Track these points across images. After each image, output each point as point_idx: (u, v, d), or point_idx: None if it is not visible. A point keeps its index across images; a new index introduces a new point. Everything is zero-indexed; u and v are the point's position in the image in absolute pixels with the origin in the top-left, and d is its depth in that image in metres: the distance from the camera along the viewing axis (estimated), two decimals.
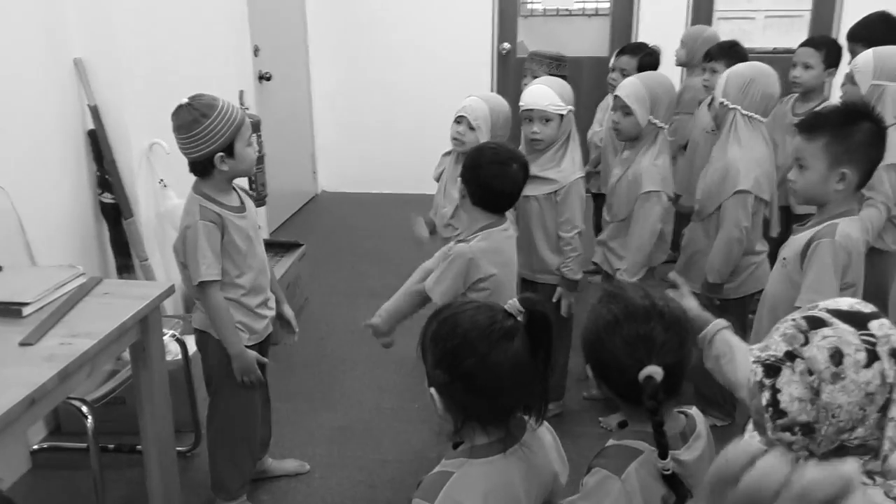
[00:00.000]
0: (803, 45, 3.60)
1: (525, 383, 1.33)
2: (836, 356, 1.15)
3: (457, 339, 1.31)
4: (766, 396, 1.19)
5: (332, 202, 6.46)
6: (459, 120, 3.01)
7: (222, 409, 2.57)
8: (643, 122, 2.83)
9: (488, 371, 1.28)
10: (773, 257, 2.45)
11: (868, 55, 2.98)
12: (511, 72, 6.17)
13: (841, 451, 1.25)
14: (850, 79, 3.03)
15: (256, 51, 5.13)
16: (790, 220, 3.23)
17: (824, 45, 3.53)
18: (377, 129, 6.37)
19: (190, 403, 2.99)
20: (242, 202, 2.46)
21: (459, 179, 2.43)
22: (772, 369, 1.19)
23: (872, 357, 1.14)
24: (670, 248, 3.10)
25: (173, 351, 2.88)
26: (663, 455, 1.30)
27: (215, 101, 2.27)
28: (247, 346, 2.46)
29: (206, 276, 2.28)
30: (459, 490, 1.32)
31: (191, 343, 2.77)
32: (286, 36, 5.89)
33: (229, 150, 2.27)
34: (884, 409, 1.16)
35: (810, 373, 1.15)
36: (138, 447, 2.98)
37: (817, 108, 2.89)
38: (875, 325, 1.16)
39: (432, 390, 1.36)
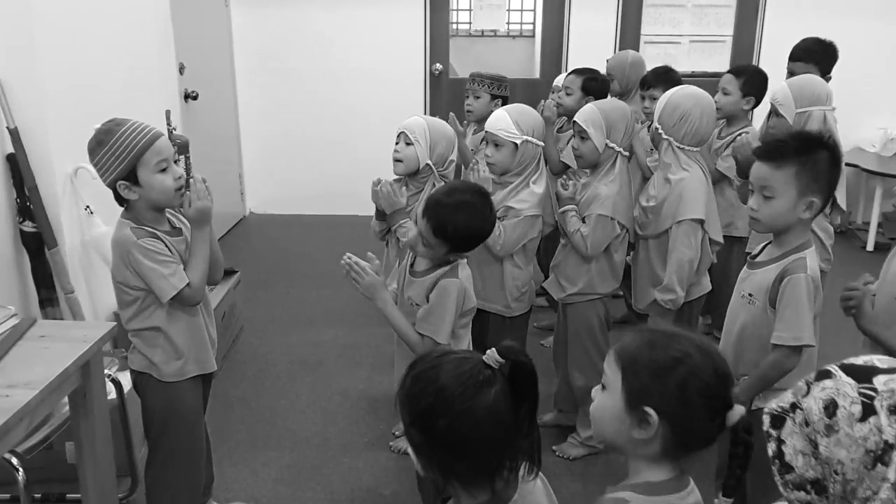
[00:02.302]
0: (728, 71, 3.74)
1: (507, 440, 1.24)
2: (830, 407, 1.12)
3: (430, 398, 1.23)
4: (772, 447, 1.17)
5: (260, 224, 6.26)
6: (398, 138, 2.94)
7: (164, 455, 2.40)
8: (600, 146, 2.82)
9: (465, 430, 1.20)
10: None
11: (784, 88, 3.14)
12: (444, 92, 6.13)
13: None
14: (774, 112, 3.13)
15: (182, 69, 4.94)
16: None
17: (744, 74, 3.65)
18: (307, 150, 6.22)
19: (126, 446, 2.78)
20: (178, 225, 2.33)
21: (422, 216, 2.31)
22: (778, 420, 1.18)
23: (868, 411, 1.09)
24: None
25: (107, 390, 2.68)
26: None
27: (118, 125, 2.13)
28: (191, 378, 2.34)
29: (180, 284, 2.18)
30: None
31: (125, 380, 2.59)
32: (212, 53, 5.70)
33: (132, 177, 2.13)
34: (877, 469, 1.10)
35: (807, 423, 1.13)
36: (68, 496, 2.80)
37: (769, 136, 2.96)
38: (881, 380, 1.12)
39: (409, 450, 1.28)
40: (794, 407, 1.17)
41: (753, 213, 2.09)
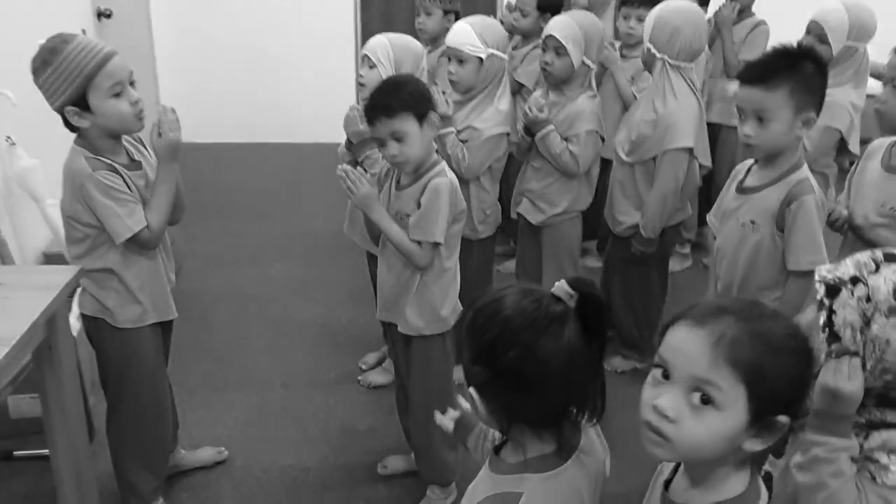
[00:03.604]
0: None
1: (579, 378, 1.14)
2: None
3: (497, 329, 1.11)
4: (822, 316, 1.21)
5: (184, 154, 5.88)
6: (362, 62, 2.73)
7: (126, 408, 2.21)
8: (577, 62, 2.71)
9: (536, 364, 1.09)
10: None
11: (840, 13, 2.88)
12: (375, 13, 5.84)
13: (884, 401, 1.23)
14: (817, 38, 2.91)
15: None
16: None
17: None
18: (230, 73, 5.84)
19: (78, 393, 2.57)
20: (138, 158, 2.10)
21: None
22: (833, 290, 1.21)
23: None
24: None
25: None
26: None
27: (65, 42, 1.87)
28: (151, 325, 2.15)
29: (136, 226, 1.97)
30: None
31: (75, 324, 2.37)
32: None
33: (83, 103, 1.90)
34: None
35: (868, 299, 1.17)
36: (16, 453, 2.59)
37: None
38: None
39: (472, 391, 1.16)
40: (856, 280, 1.20)
41: (749, 139, 2.01)
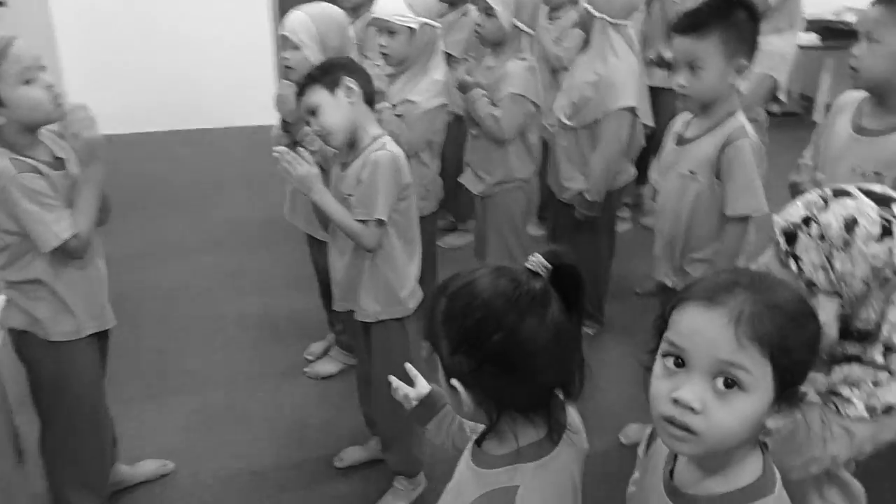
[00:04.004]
0: None
1: (565, 354, 1.07)
2: (850, 224, 1.18)
3: (477, 313, 1.02)
4: (793, 265, 1.23)
5: None
6: (284, 44, 2.56)
7: (62, 423, 2.06)
8: (507, 25, 2.61)
9: (522, 345, 1.01)
10: None
11: None
12: None
13: (844, 335, 1.25)
14: None
15: None
16: None
17: None
18: (139, 60, 5.51)
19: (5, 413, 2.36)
20: (60, 154, 1.91)
21: None
22: (790, 236, 1.23)
23: (886, 232, 1.17)
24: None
25: None
26: None
27: None
28: (89, 336, 2.00)
29: (64, 234, 1.81)
30: None
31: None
32: None
33: None
34: (887, 291, 1.20)
35: (822, 237, 1.19)
36: None
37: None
38: None
39: (456, 383, 1.06)
40: (808, 221, 1.21)
41: (683, 89, 2.01)
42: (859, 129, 1.92)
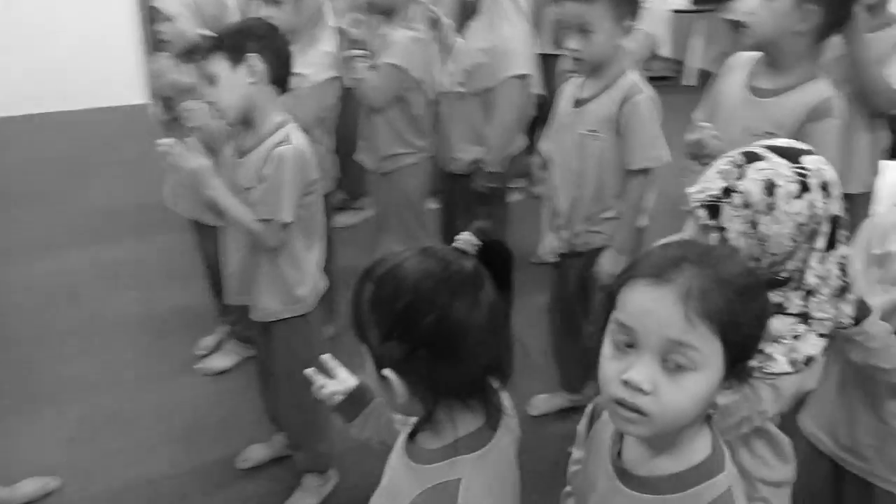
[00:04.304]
0: None
1: (499, 333, 1.02)
2: (769, 187, 1.18)
3: (407, 296, 0.96)
4: (714, 238, 1.21)
5: None
6: (157, 15, 2.37)
7: None
8: None
9: (457, 325, 0.96)
10: None
11: None
12: None
13: (772, 284, 1.25)
14: None
15: None
16: None
17: None
18: None
19: None
20: None
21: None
22: (713, 209, 1.21)
23: (803, 188, 1.18)
24: None
25: None
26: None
27: None
28: None
29: None
30: (480, 500, 0.99)
31: None
32: None
33: None
34: (811, 241, 1.21)
35: (746, 205, 1.19)
36: None
37: None
38: (808, 160, 1.20)
39: (388, 373, 0.98)
40: (728, 191, 1.20)
41: (576, 53, 2.03)
42: (753, 90, 1.91)
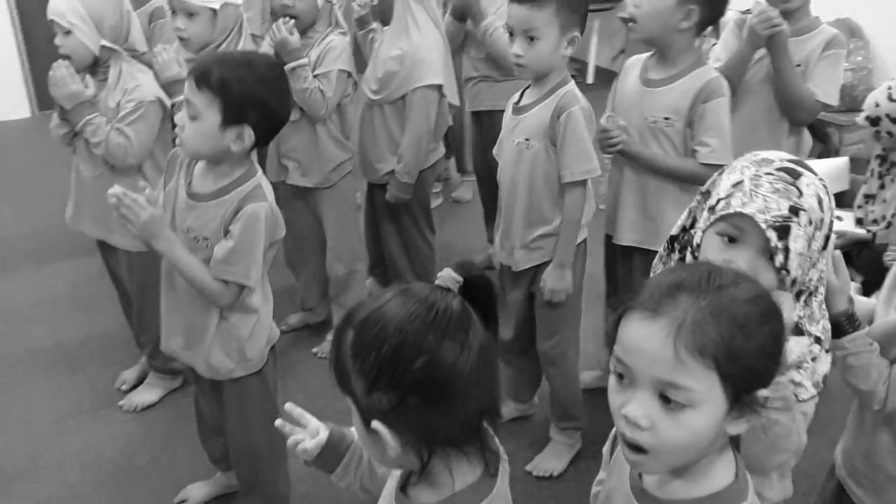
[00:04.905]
0: None
1: (492, 373, 0.98)
2: (821, 201, 1.18)
3: (394, 339, 0.91)
4: (779, 259, 1.15)
5: None
6: (57, 29, 2.22)
7: None
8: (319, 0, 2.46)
9: (447, 368, 0.91)
10: None
11: None
12: None
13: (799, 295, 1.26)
14: None
15: None
16: None
17: None
18: None
19: None
20: None
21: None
22: (783, 229, 1.15)
23: (823, 199, 1.19)
24: None
25: None
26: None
27: None
28: None
29: None
30: None
31: None
32: None
33: None
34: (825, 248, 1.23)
35: (810, 222, 1.16)
36: None
37: None
38: (813, 177, 1.20)
39: (378, 425, 0.92)
40: (795, 210, 1.15)
41: (519, 58, 2.02)
42: (646, 82, 2.12)
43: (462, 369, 0.92)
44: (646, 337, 0.85)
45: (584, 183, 2.07)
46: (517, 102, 2.14)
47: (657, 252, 1.42)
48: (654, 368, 0.84)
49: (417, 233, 2.93)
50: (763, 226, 1.13)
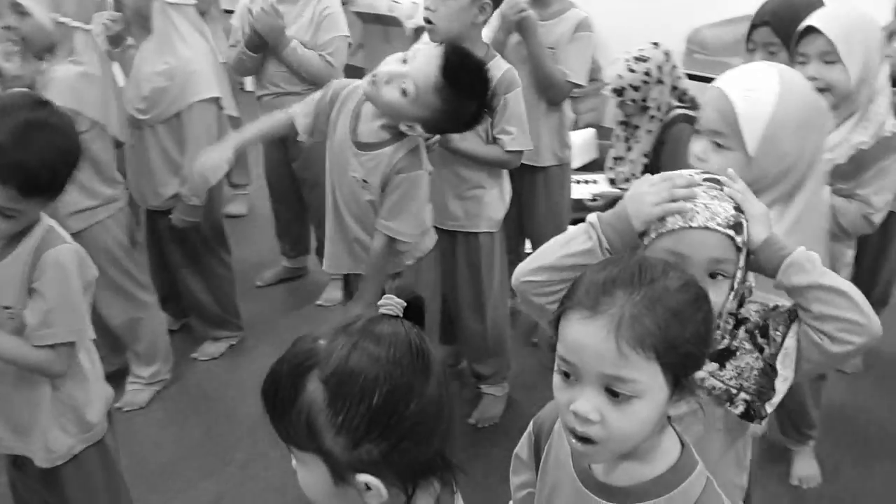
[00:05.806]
0: None
1: (450, 397, 0.95)
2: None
3: (384, 387, 0.86)
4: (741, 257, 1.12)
5: None
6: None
7: None
8: (48, 22, 2.19)
9: (435, 404, 0.89)
10: None
11: None
12: None
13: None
14: None
15: None
16: None
17: None
18: None
19: None
20: None
21: None
22: (739, 226, 1.09)
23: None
24: None
25: None
26: None
27: None
28: None
29: None
30: None
31: None
32: None
33: None
34: None
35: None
36: None
37: None
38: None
39: (368, 479, 0.86)
40: (738, 209, 1.12)
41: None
42: None
43: (443, 398, 0.90)
44: (588, 335, 0.88)
45: (394, 240, 1.97)
46: (355, 128, 1.94)
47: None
48: (599, 364, 0.87)
49: (212, 255, 2.76)
50: (720, 230, 1.07)
